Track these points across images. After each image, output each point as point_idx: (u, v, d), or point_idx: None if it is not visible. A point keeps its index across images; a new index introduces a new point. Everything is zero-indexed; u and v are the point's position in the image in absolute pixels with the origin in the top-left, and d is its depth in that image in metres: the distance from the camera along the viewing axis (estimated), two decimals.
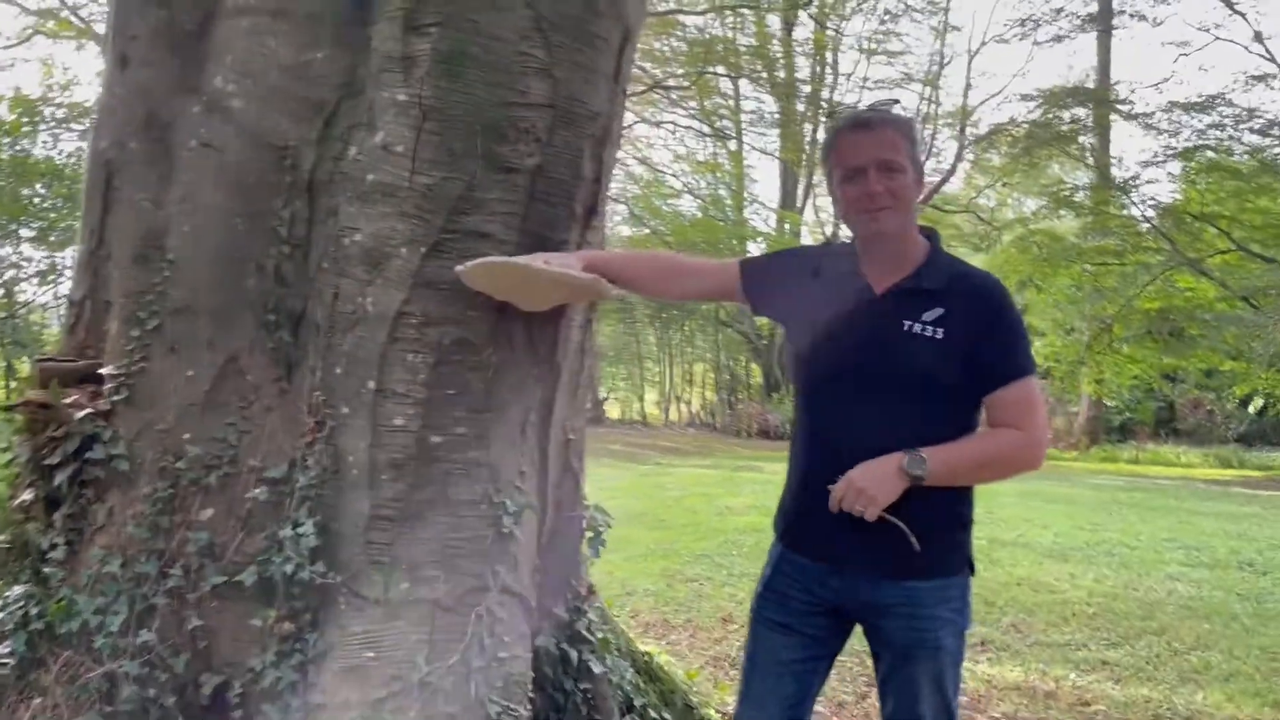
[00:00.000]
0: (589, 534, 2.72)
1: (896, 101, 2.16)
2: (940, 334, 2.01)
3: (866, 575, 2.07)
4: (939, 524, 2.07)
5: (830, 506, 1.99)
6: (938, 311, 2.03)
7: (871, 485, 1.94)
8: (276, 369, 2.37)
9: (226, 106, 2.36)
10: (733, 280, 2.27)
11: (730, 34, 24.61)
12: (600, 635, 2.71)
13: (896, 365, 2.03)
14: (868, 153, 2.02)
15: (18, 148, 14.13)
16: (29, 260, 15.33)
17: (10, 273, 14.92)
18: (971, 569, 2.14)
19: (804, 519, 2.16)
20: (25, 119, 13.98)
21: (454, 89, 2.17)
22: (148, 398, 2.37)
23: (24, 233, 14.88)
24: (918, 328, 2.02)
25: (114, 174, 2.45)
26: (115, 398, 2.37)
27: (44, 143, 14.60)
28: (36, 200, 14.63)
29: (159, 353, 2.37)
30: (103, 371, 2.40)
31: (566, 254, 2.26)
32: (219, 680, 2.24)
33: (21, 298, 14.98)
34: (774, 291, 2.25)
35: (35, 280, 15.32)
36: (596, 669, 2.62)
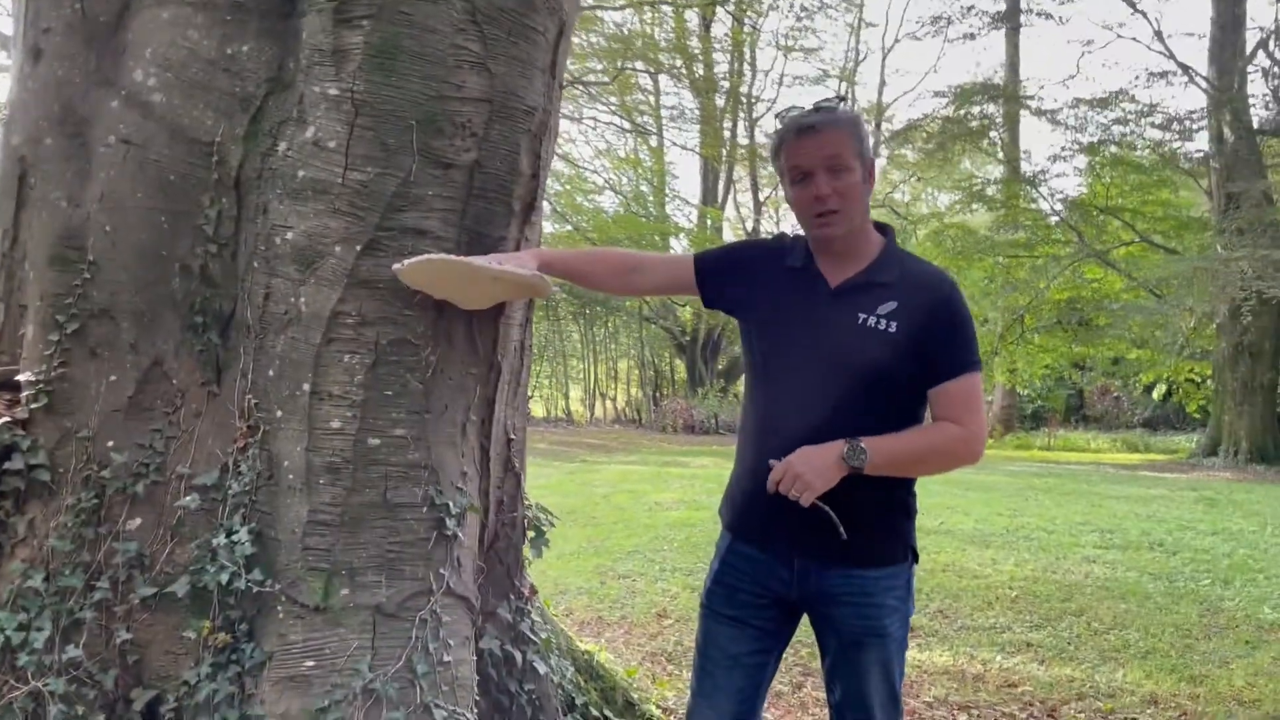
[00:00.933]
0: (531, 534, 2.70)
1: (842, 99, 2.17)
2: (894, 328, 2.04)
3: (815, 564, 2.09)
4: (885, 513, 2.10)
5: (768, 488, 2.00)
6: (891, 305, 2.05)
7: (809, 472, 1.95)
8: (204, 372, 2.30)
9: (147, 101, 2.27)
10: (687, 274, 2.27)
11: (649, 30, 24.66)
12: (543, 635, 2.69)
13: (850, 358, 2.05)
14: (814, 155, 2.02)
15: None
16: None
17: None
18: (915, 557, 2.18)
19: (752, 509, 2.17)
20: None
21: (387, 83, 2.12)
22: (68, 404, 2.27)
23: None
24: (871, 321, 2.05)
25: (28, 171, 2.34)
26: (34, 405, 2.26)
27: None
28: None
29: (79, 357, 2.28)
30: (20, 378, 2.30)
31: (521, 253, 2.24)
32: (151, 695, 2.17)
33: None
34: (727, 284, 2.25)
35: None
36: (541, 669, 2.60)
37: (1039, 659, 4.80)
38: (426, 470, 2.21)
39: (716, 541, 2.31)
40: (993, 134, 21.71)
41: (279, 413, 2.20)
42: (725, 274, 2.25)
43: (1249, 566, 7.06)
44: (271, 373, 2.21)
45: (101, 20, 2.31)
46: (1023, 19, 22.95)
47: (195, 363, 2.30)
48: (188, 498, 2.23)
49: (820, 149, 2.02)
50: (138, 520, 2.24)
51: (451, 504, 2.22)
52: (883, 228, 2.19)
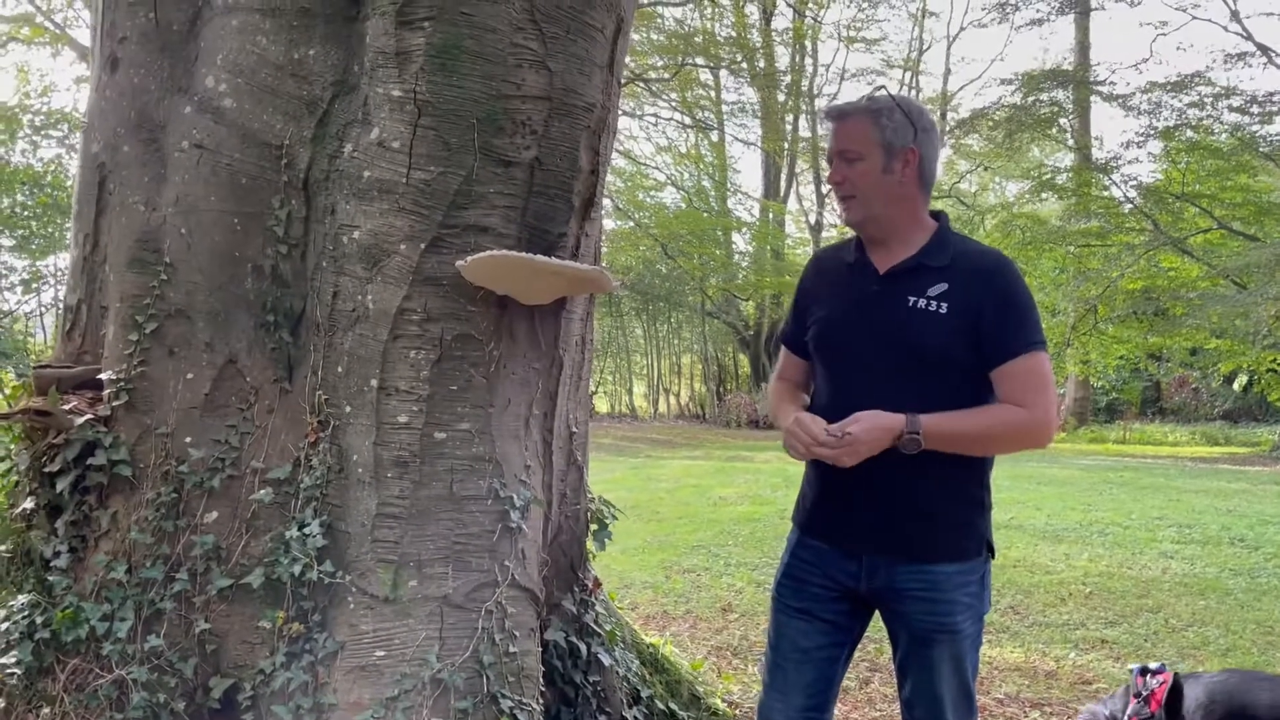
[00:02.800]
0: (594, 527, 2.72)
1: (881, 87, 2.17)
2: (944, 308, 2.01)
3: (884, 559, 2.08)
4: (954, 507, 2.08)
5: (822, 441, 1.98)
6: (942, 287, 2.03)
7: (862, 438, 1.93)
8: (276, 369, 2.36)
9: (218, 106, 2.34)
10: (796, 358, 2.31)
11: (709, 25, 24.57)
12: (607, 628, 2.71)
13: (902, 342, 2.03)
14: (834, 143, 2.10)
15: None
16: (11, 269, 15.21)
17: None
18: (991, 552, 2.14)
19: (821, 504, 2.17)
20: (2, 127, 13.85)
21: (449, 83, 2.16)
22: (148, 402, 2.35)
23: (4, 241, 14.76)
24: (921, 303, 2.03)
25: (107, 177, 2.43)
26: (115, 403, 2.35)
27: (22, 150, 14.49)
28: (17, 209, 14.51)
29: (158, 356, 2.36)
30: (101, 377, 2.38)
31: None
32: (229, 683, 2.24)
33: (4, 306, 14.87)
34: (805, 331, 2.26)
35: (18, 288, 15.19)
36: (605, 661, 2.62)
37: (1114, 655, 4.69)
38: (491, 464, 2.25)
39: (786, 536, 2.30)
40: (1062, 121, 21.17)
41: (348, 408, 2.25)
42: (801, 329, 2.26)
43: None
44: (340, 369, 2.26)
45: (174, 29, 2.38)
46: (1093, 2, 22.35)
47: (267, 360, 2.37)
48: (261, 491, 2.29)
49: (838, 137, 2.08)
50: (214, 514, 2.31)
51: (515, 497, 2.25)
52: (936, 214, 2.17)
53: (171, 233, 2.36)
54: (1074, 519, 8.59)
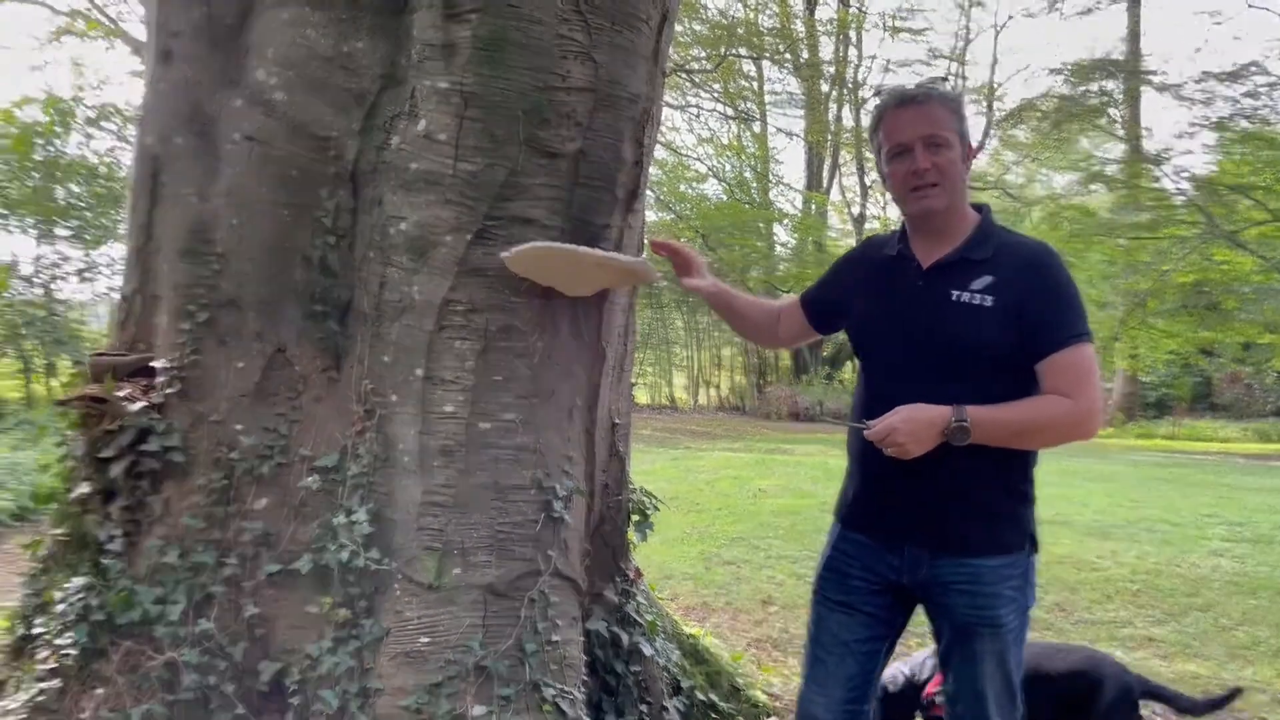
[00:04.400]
0: (635, 517, 2.73)
1: (944, 79, 2.15)
2: (989, 301, 2.00)
3: (926, 552, 2.06)
4: (997, 499, 2.06)
5: (866, 435, 2.00)
6: (986, 280, 2.02)
7: (909, 438, 1.93)
8: (325, 359, 2.39)
9: (269, 99, 2.37)
10: (798, 309, 2.40)
11: (752, 15, 24.42)
12: (649, 618, 2.72)
13: (947, 336, 2.02)
14: (914, 129, 2.02)
15: (51, 148, 14.30)
16: (66, 259, 15.55)
17: (48, 271, 15.14)
18: (1035, 546, 2.12)
19: (863, 498, 2.16)
20: (58, 119, 14.14)
21: (495, 75, 2.17)
22: (199, 390, 2.39)
23: (60, 231, 15.09)
24: (965, 296, 2.02)
25: (160, 169, 2.47)
26: (168, 390, 2.39)
27: (77, 142, 14.80)
28: (73, 200, 14.83)
29: (209, 345, 2.40)
30: (154, 365, 2.43)
31: (703, 280, 2.40)
32: (277, 667, 2.27)
33: (60, 296, 15.20)
34: (830, 308, 2.35)
35: (74, 278, 15.52)
36: (647, 651, 2.63)
37: (1162, 655, 4.62)
38: (535, 454, 2.26)
39: (828, 530, 2.30)
40: (1112, 111, 20.80)
41: (394, 397, 2.27)
42: (826, 299, 2.35)
43: None
44: (387, 359, 2.29)
45: (226, 23, 2.41)
46: None
47: (316, 350, 2.40)
48: (310, 479, 2.32)
49: (919, 122, 2.01)
50: (264, 500, 2.34)
51: (559, 487, 2.27)
52: (978, 206, 2.15)
53: (223, 224, 2.39)
54: (1122, 515, 8.46)
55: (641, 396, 27.80)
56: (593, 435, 2.47)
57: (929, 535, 2.05)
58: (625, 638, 2.58)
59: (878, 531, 2.13)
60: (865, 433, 1.99)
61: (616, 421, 2.64)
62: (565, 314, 2.33)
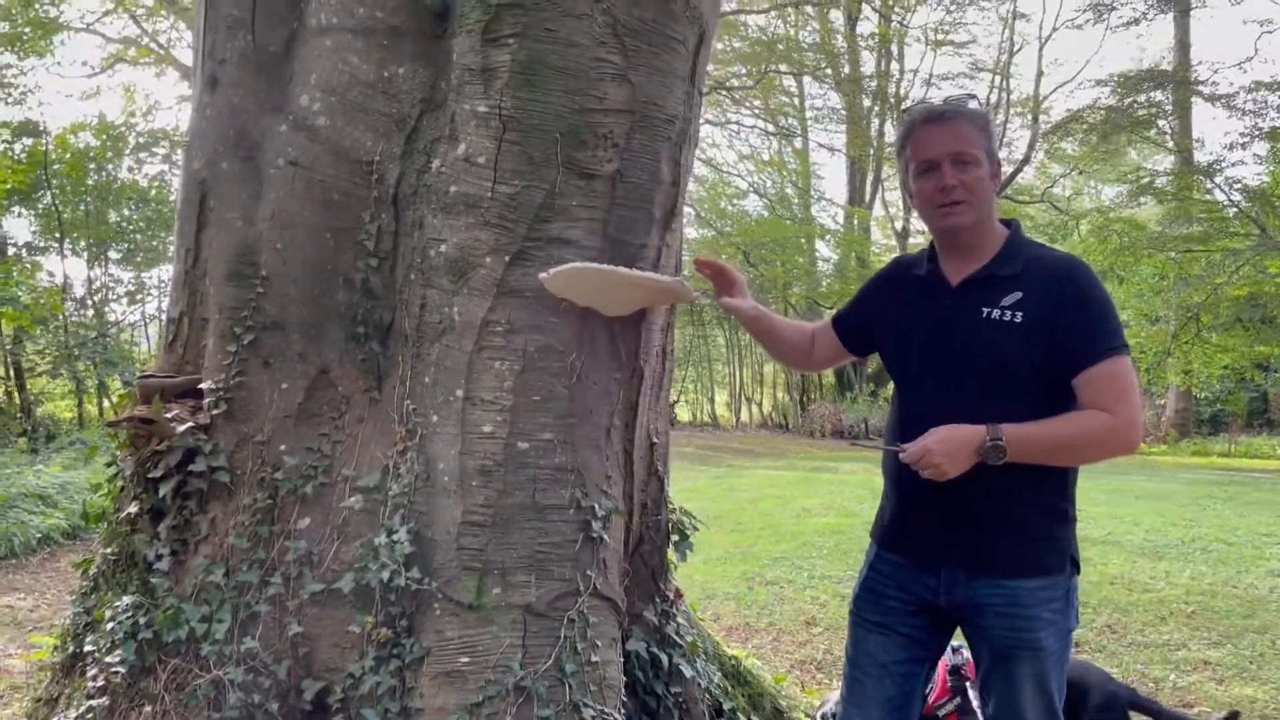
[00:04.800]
0: (675, 537, 2.72)
1: (973, 96, 2.13)
2: (1020, 318, 1.97)
3: (964, 573, 2.03)
4: (1036, 520, 2.02)
5: (901, 458, 1.98)
6: (1016, 296, 1.99)
7: (945, 459, 1.91)
8: (367, 379, 2.42)
9: (312, 125, 2.41)
10: (830, 332, 2.39)
11: (792, 31, 24.42)
12: (689, 639, 2.70)
13: (978, 353, 2.00)
14: (941, 146, 2.01)
15: (103, 173, 14.67)
16: (118, 281, 15.92)
17: (100, 293, 15.50)
18: (1076, 567, 2.08)
19: (899, 519, 2.13)
20: (110, 145, 14.51)
21: (533, 98, 2.19)
22: (245, 411, 2.43)
23: (112, 255, 15.45)
24: (996, 313, 1.99)
25: (207, 193, 2.53)
26: (214, 411, 2.43)
27: (129, 167, 15.17)
28: (123, 223, 15.19)
29: (254, 366, 2.44)
30: (202, 386, 2.47)
31: (744, 301, 2.41)
32: (320, 686, 2.29)
33: (111, 317, 15.55)
34: (862, 329, 2.33)
35: (124, 299, 15.87)
36: (687, 672, 2.62)
37: (1217, 678, 4.50)
38: (573, 473, 2.27)
39: (866, 549, 2.28)
40: (1161, 122, 20.47)
41: (435, 418, 2.29)
42: (858, 320, 2.34)
43: None
44: (428, 380, 2.31)
45: (271, 50, 2.47)
46: (1193, 0, 21.57)
47: (358, 371, 2.43)
48: (352, 499, 2.34)
49: (947, 139, 2.00)
50: (307, 520, 2.37)
51: (597, 506, 2.27)
52: (1008, 222, 2.13)
53: (267, 247, 2.43)
54: (1175, 535, 8.27)
55: (683, 414, 27.75)
56: (631, 455, 2.47)
57: (965, 556, 2.02)
58: (665, 659, 2.56)
59: (914, 553, 2.10)
60: (900, 455, 1.97)
61: (655, 441, 2.63)
62: (603, 334, 2.33)
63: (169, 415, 2.44)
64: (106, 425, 2.51)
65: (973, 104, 2.10)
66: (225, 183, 2.50)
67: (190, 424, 2.42)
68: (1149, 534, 8.30)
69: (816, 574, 6.62)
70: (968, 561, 2.02)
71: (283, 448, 2.40)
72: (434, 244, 2.29)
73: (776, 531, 8.35)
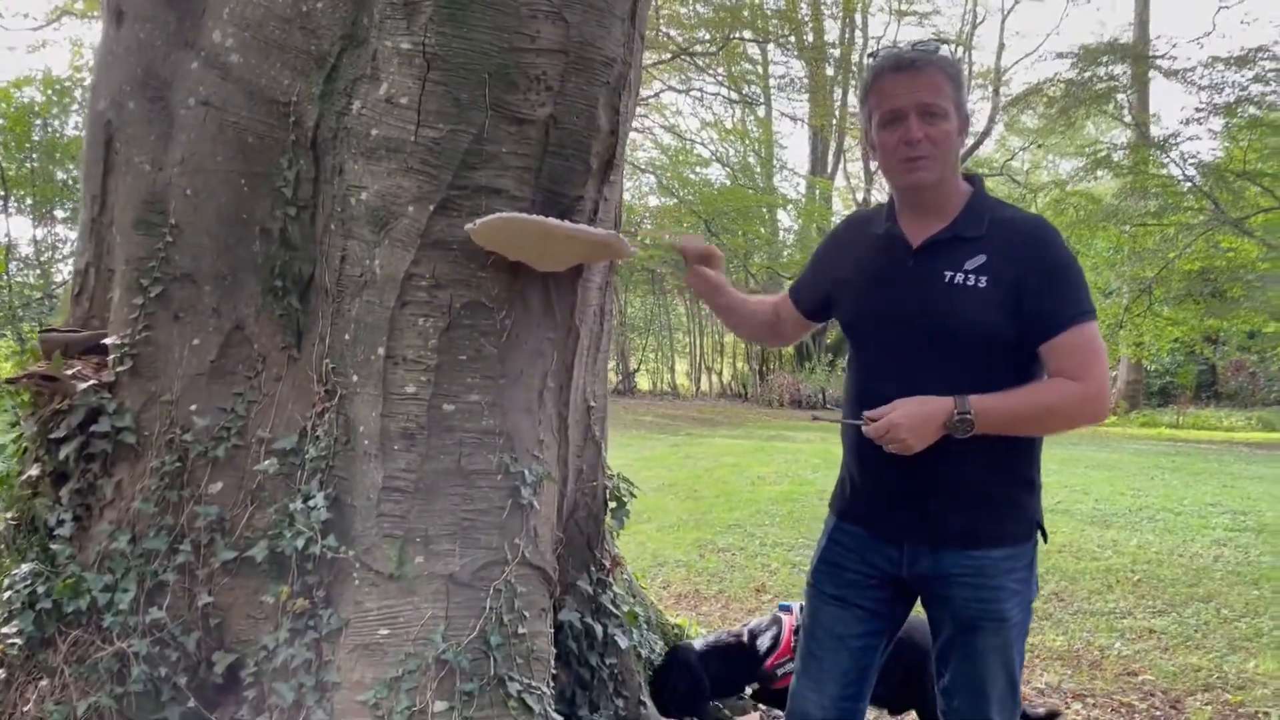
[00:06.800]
0: (612, 504, 2.62)
1: (944, 41, 2.01)
2: (984, 282, 1.88)
3: (927, 546, 1.95)
4: (1003, 489, 1.95)
5: (865, 431, 1.88)
6: (980, 259, 1.90)
7: (910, 434, 1.82)
8: (284, 336, 2.29)
9: (225, 62, 2.25)
10: (790, 304, 2.29)
11: None
12: (627, 608, 2.61)
13: (941, 320, 1.90)
14: (909, 95, 1.89)
15: (49, 129, 14.21)
16: (64, 240, 15.47)
17: (46, 253, 15.07)
18: (1044, 535, 2.01)
19: (860, 490, 2.05)
20: (55, 100, 14.04)
21: (459, 35, 2.04)
22: (152, 368, 2.29)
23: (58, 213, 15.00)
24: (959, 278, 1.89)
25: (113, 136, 2.36)
26: (119, 369, 2.29)
27: (75, 124, 14.69)
28: (71, 181, 14.74)
29: (163, 321, 2.29)
30: (106, 342, 2.32)
31: (708, 272, 2.29)
32: (232, 658, 2.17)
33: (57, 277, 15.12)
34: (819, 297, 2.22)
35: (71, 259, 15.42)
36: (622, 643, 2.52)
37: (1162, 646, 4.52)
38: (501, 437, 2.15)
39: (825, 520, 2.19)
40: (1119, 96, 20.56)
41: (355, 377, 2.16)
42: (814, 288, 2.23)
43: None
44: (348, 337, 2.18)
45: None
46: None
47: (275, 327, 2.29)
48: (266, 462, 2.21)
49: (915, 89, 1.87)
50: (219, 484, 2.24)
51: (527, 472, 2.16)
52: (971, 178, 2.02)
53: (177, 194, 2.28)
54: (1123, 504, 8.35)
55: (643, 383, 27.72)
56: (565, 418, 2.36)
57: (930, 527, 1.94)
58: (600, 629, 2.47)
59: (875, 525, 2.02)
60: (864, 429, 1.87)
61: (592, 404, 2.52)
62: (536, 290, 2.21)
63: (71, 372, 2.29)
64: (5, 382, 2.35)
65: (944, 50, 1.97)
66: (132, 125, 2.34)
67: (93, 381, 2.27)
68: (1098, 503, 8.37)
69: (769, 541, 6.60)
70: (932, 533, 1.94)
71: (193, 408, 2.26)
72: (354, 191, 2.15)
73: (730, 499, 8.33)
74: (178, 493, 2.23)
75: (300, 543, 2.11)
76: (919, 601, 2.10)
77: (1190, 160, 18.87)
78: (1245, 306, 19.55)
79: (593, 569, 2.54)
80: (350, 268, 2.17)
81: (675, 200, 24.77)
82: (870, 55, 2.01)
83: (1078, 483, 9.48)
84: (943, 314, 1.90)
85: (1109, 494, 8.88)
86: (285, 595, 2.14)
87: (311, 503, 2.13)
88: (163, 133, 2.30)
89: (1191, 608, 5.14)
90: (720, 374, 28.89)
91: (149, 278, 2.28)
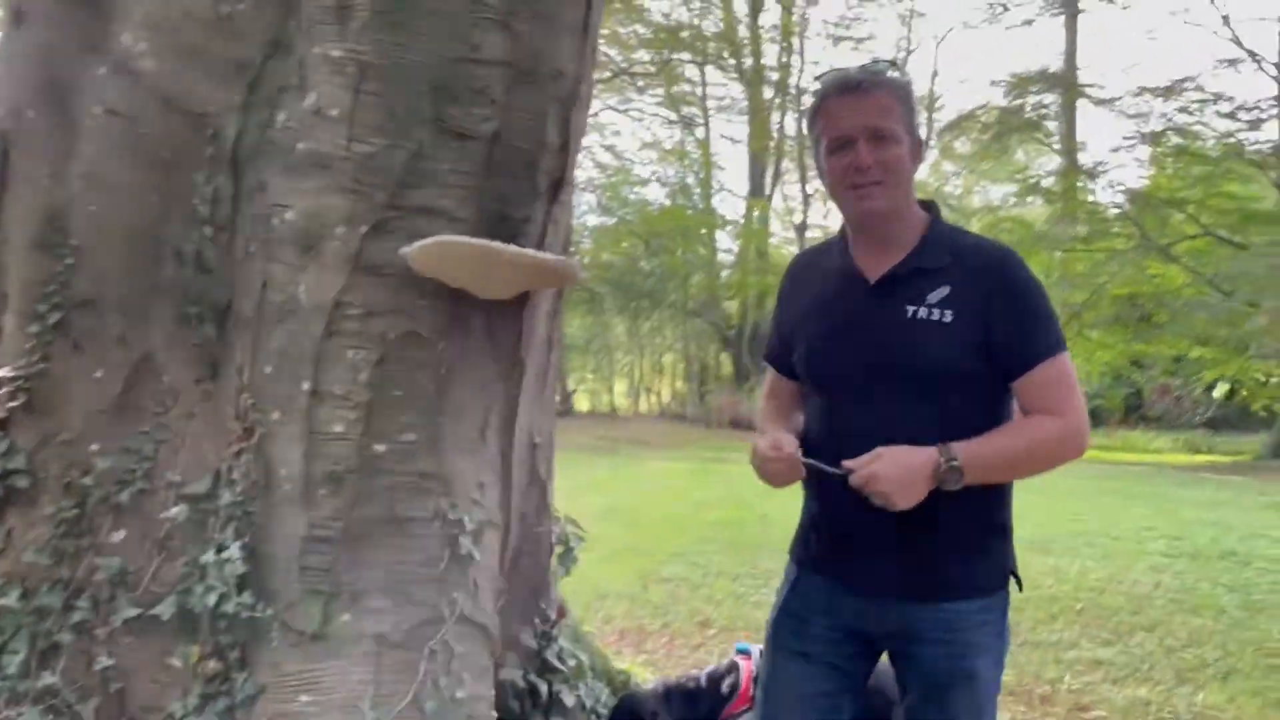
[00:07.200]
0: (559, 549, 2.45)
1: (892, 63, 1.89)
2: (949, 316, 1.76)
3: (897, 598, 1.82)
4: (978, 534, 1.84)
5: (849, 483, 1.72)
6: (943, 291, 1.78)
7: (893, 485, 1.68)
8: (198, 369, 2.10)
9: (136, 68, 2.07)
10: (783, 378, 2.08)
11: (696, 20, 24.39)
12: (573, 662, 2.44)
13: (906, 358, 1.78)
14: (857, 119, 1.76)
15: None
16: None
17: None
18: (1019, 583, 1.90)
19: (826, 540, 1.91)
20: None
21: (396, 43, 1.89)
22: (50, 403, 2.09)
23: None
24: (923, 312, 1.77)
25: (9, 147, 2.15)
26: (12, 404, 2.08)
27: None
28: None
29: (62, 352, 2.09)
30: None
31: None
32: None
33: None
34: (789, 350, 2.00)
35: None
36: (568, 700, 2.37)
37: (1111, 679, 4.47)
38: (439, 481, 1.99)
39: (785, 568, 2.04)
40: (1050, 124, 21.11)
41: (276, 414, 1.98)
42: (784, 346, 2.02)
43: None
44: (269, 370, 1.99)
45: None
46: (1082, 4, 22.30)
47: (189, 358, 2.11)
48: (176, 508, 2.02)
49: (863, 112, 1.75)
50: (122, 533, 2.05)
51: (467, 519, 2.00)
52: (927, 204, 1.90)
53: (80, 211, 2.08)
54: (1062, 529, 8.41)
55: (582, 403, 27.59)
56: (509, 458, 2.20)
57: (900, 578, 1.82)
58: (545, 687, 2.31)
59: (843, 576, 1.88)
60: (851, 480, 1.71)
61: (537, 441, 2.36)
62: (478, 320, 2.05)
63: None
64: None
65: (893, 72, 1.85)
66: (31, 135, 2.13)
67: None
68: (1037, 528, 8.40)
69: (712, 570, 6.48)
70: (903, 584, 1.81)
71: (95, 447, 2.06)
72: (278, 211, 1.97)
73: (673, 525, 8.22)
74: (75, 542, 2.03)
75: (212, 599, 1.92)
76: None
77: (1118, 187, 19.42)
78: (1171, 331, 20.10)
79: (537, 621, 2.38)
80: (273, 294, 2.00)
81: (615, 219, 24.79)
82: (817, 79, 1.89)
83: (1016, 506, 9.51)
84: (908, 351, 1.78)
85: (1046, 519, 8.93)
86: (195, 657, 1.96)
87: (226, 554, 1.95)
88: (65, 144, 2.10)
89: (1136, 637, 5.13)
90: (659, 394, 28.90)
91: (47, 303, 2.08)
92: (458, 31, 1.90)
